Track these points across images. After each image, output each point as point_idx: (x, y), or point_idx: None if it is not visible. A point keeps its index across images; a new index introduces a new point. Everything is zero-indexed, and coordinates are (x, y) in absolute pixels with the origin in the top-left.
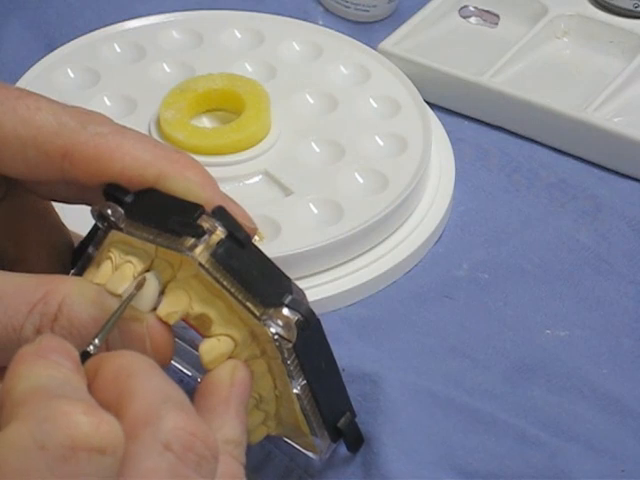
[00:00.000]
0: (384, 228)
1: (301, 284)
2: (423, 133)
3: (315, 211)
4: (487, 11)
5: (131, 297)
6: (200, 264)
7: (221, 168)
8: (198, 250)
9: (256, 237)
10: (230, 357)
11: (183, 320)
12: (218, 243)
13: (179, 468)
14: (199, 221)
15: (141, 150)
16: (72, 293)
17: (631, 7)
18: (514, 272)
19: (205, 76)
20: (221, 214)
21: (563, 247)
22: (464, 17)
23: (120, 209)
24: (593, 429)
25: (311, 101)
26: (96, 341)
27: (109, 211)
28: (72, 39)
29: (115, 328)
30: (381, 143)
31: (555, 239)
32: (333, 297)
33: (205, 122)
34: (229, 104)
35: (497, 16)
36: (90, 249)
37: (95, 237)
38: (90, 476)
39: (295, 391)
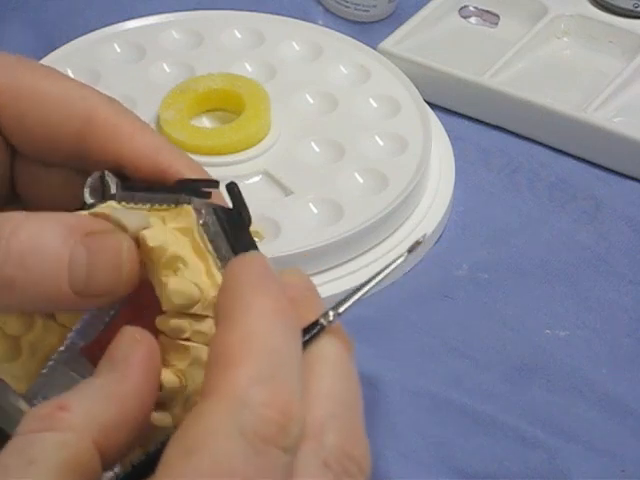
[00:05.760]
0: (384, 228)
1: None
2: (423, 133)
3: (315, 211)
4: (487, 11)
5: (390, 267)
6: (201, 219)
7: (221, 168)
8: (201, 206)
9: (256, 238)
10: (188, 313)
11: (158, 254)
12: (222, 208)
13: None
14: (206, 194)
15: (158, 137)
16: (35, 214)
17: (631, 7)
18: (514, 272)
19: (205, 76)
20: (233, 189)
21: (563, 247)
22: (464, 17)
23: (115, 178)
24: (593, 429)
25: (311, 101)
26: (330, 314)
27: (108, 179)
28: (72, 39)
29: (82, 246)
30: (381, 143)
31: (555, 239)
32: (333, 297)
33: (205, 122)
34: (229, 104)
35: (497, 16)
36: None
37: None
38: (276, 471)
39: None
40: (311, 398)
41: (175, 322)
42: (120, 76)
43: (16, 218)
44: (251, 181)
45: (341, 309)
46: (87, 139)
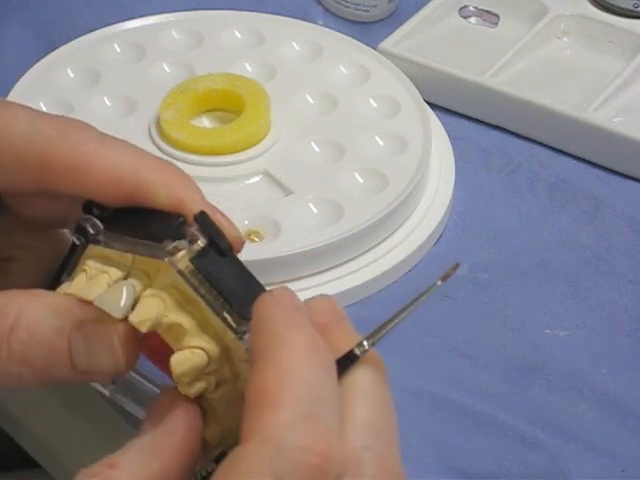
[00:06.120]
0: (384, 228)
1: (301, 284)
2: (423, 133)
3: (315, 211)
4: (487, 11)
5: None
6: (179, 270)
7: (221, 168)
8: (178, 256)
9: (255, 238)
10: (203, 373)
11: (154, 330)
12: (198, 251)
13: None
14: (180, 228)
15: (120, 157)
16: (29, 303)
17: (631, 7)
18: (514, 272)
19: (205, 76)
20: (203, 220)
21: (563, 247)
22: (464, 17)
23: (98, 222)
24: (593, 429)
25: (311, 101)
26: (365, 344)
27: (87, 224)
28: (72, 39)
29: (78, 333)
30: (381, 143)
31: (555, 239)
32: (333, 297)
33: (205, 122)
34: (229, 104)
35: (497, 16)
36: (63, 278)
37: (68, 264)
38: None
39: None
40: (347, 430)
41: (195, 389)
42: (120, 76)
43: (12, 312)
44: (251, 181)
45: (375, 339)
46: (47, 180)
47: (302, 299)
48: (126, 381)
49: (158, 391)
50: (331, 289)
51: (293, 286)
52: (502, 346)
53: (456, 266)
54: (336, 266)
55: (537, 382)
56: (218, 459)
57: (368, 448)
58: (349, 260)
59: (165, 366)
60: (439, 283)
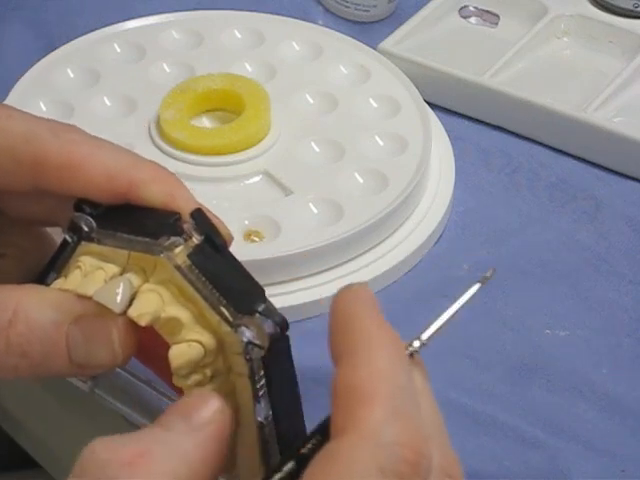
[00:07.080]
0: (384, 228)
1: (301, 284)
2: (423, 133)
3: (315, 211)
4: (487, 11)
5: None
6: (176, 266)
7: (221, 168)
8: (175, 252)
9: (255, 238)
10: (199, 366)
11: (151, 325)
12: (195, 246)
13: None
14: (176, 225)
15: (113, 158)
16: (28, 297)
17: (631, 7)
18: (514, 272)
19: (205, 76)
20: (199, 217)
21: (563, 247)
22: (464, 17)
23: (91, 220)
24: (593, 429)
25: (311, 101)
26: (422, 338)
27: (81, 221)
28: (72, 39)
29: (77, 327)
30: (381, 143)
31: (555, 239)
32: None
33: (205, 122)
34: (229, 104)
35: (497, 16)
36: (50, 276)
37: (56, 262)
38: None
39: (259, 418)
40: None
41: (191, 381)
42: (120, 76)
43: (11, 306)
44: (251, 181)
45: (424, 340)
46: (41, 179)
47: (306, 299)
48: (106, 377)
49: (141, 385)
50: (331, 289)
51: (293, 286)
52: (502, 346)
53: (493, 270)
54: (336, 266)
55: (537, 382)
56: (299, 459)
57: (432, 439)
58: (349, 260)
59: (153, 363)
60: (478, 285)
